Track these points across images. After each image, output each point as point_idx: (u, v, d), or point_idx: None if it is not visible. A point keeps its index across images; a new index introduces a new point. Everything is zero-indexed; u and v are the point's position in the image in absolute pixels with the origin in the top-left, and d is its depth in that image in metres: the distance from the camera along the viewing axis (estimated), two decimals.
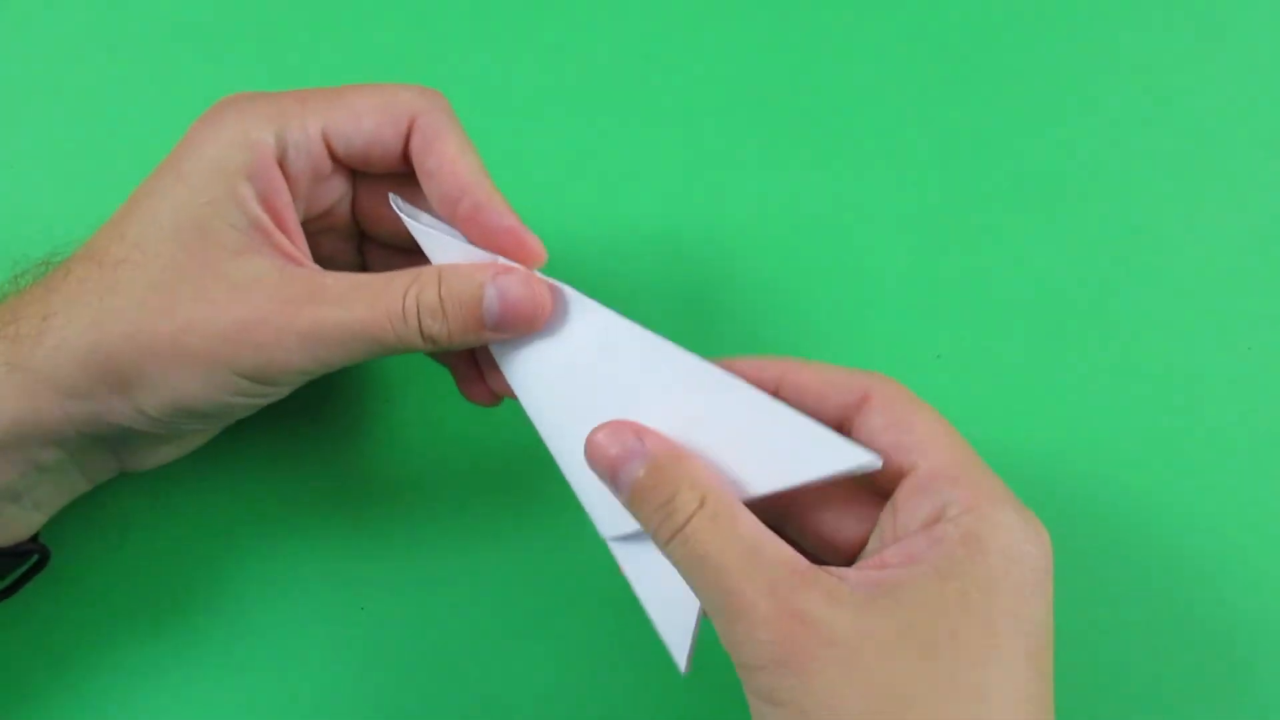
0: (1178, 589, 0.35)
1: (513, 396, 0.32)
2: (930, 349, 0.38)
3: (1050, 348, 0.38)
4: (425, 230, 0.31)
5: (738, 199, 0.40)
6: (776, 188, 0.41)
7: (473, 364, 0.33)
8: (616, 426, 0.28)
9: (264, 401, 0.31)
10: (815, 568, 0.25)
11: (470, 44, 0.42)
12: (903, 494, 0.27)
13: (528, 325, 0.29)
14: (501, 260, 0.30)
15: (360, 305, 0.29)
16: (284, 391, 0.31)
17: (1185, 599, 0.35)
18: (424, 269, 0.30)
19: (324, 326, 0.28)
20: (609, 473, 0.28)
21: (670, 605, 0.29)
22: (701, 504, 0.26)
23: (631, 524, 0.28)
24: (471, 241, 0.31)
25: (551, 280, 0.30)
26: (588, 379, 0.30)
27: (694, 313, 0.39)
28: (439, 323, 0.29)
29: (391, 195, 0.32)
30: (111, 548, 0.36)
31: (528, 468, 0.37)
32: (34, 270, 0.31)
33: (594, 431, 0.28)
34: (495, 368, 0.32)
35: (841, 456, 0.27)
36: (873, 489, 0.28)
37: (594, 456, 0.28)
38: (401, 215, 0.32)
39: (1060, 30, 0.43)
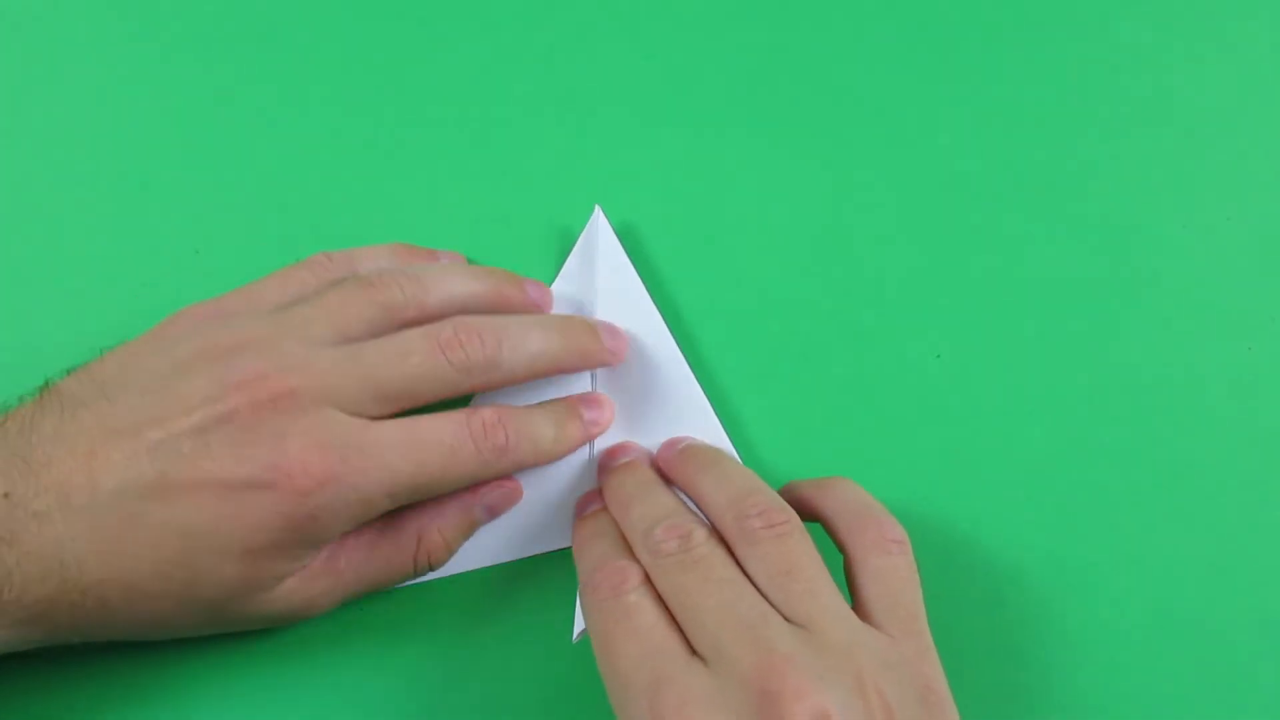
0: (1177, 588, 0.35)
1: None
2: (930, 349, 0.38)
3: (1050, 348, 0.38)
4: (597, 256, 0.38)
5: (735, 198, 0.40)
6: (775, 187, 0.41)
7: None
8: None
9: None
10: None
11: (467, 43, 0.42)
12: None
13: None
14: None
15: (374, 577, 0.33)
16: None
17: (1187, 598, 0.35)
18: (425, 533, 0.33)
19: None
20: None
21: None
22: None
23: None
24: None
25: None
26: None
27: (692, 313, 0.39)
28: (442, 557, 0.35)
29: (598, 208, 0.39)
30: None
31: None
32: (33, 403, 0.29)
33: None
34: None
35: None
36: None
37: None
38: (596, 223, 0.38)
39: (1060, 30, 0.43)
